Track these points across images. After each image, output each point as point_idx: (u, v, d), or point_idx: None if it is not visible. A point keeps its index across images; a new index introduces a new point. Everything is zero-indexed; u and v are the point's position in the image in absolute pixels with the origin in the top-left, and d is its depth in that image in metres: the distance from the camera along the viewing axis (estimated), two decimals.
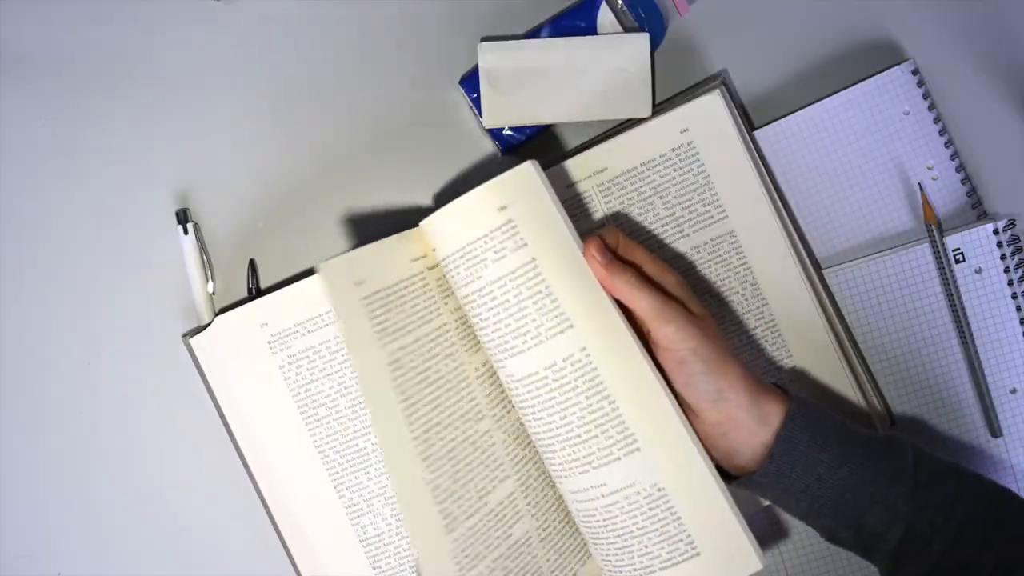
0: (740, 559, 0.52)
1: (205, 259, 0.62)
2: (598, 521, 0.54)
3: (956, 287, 0.60)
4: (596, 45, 0.60)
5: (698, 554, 0.52)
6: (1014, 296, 0.60)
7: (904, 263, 0.61)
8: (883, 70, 0.61)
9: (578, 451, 0.53)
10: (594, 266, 0.53)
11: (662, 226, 0.60)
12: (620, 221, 0.60)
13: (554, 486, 0.57)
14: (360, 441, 0.59)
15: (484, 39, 0.61)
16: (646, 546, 0.53)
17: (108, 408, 0.63)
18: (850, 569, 0.61)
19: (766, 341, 0.60)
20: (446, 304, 0.55)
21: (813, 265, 0.61)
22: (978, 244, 0.60)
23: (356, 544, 0.59)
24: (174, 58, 0.63)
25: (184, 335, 0.62)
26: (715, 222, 0.60)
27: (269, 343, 0.59)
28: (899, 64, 0.61)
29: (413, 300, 0.53)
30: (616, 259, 0.53)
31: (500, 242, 0.53)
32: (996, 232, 0.60)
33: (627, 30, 0.61)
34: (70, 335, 0.63)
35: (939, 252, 0.60)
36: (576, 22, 0.61)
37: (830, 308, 0.61)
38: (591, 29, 0.61)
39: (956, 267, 0.60)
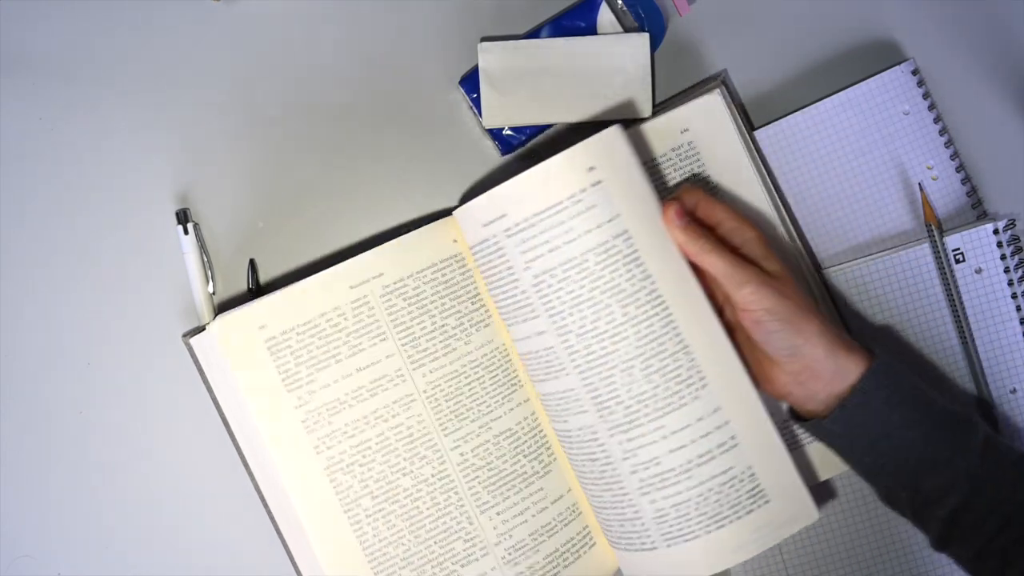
0: (802, 511, 0.55)
1: (205, 259, 0.62)
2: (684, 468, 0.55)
3: (956, 287, 0.60)
4: (596, 45, 0.60)
5: (768, 502, 0.54)
6: (1014, 296, 0.60)
7: (904, 263, 0.61)
8: (883, 70, 0.61)
9: (655, 409, 0.54)
10: (672, 231, 0.54)
11: None
12: None
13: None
14: (359, 439, 0.59)
15: (484, 39, 0.61)
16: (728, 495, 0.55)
17: (108, 408, 0.63)
18: (851, 569, 0.61)
19: None
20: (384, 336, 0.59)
21: (813, 265, 0.61)
22: (978, 244, 0.60)
23: (356, 544, 0.59)
24: (174, 58, 0.63)
25: (184, 335, 0.62)
26: None
27: (268, 343, 0.59)
28: (899, 64, 0.61)
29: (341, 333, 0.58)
30: (693, 223, 0.54)
31: (588, 204, 0.54)
32: (996, 232, 0.60)
33: (627, 30, 0.61)
34: (70, 335, 0.63)
35: (939, 252, 0.60)
36: (576, 22, 0.61)
37: (832, 308, 0.60)
38: (591, 29, 0.61)
39: (956, 267, 0.60)
